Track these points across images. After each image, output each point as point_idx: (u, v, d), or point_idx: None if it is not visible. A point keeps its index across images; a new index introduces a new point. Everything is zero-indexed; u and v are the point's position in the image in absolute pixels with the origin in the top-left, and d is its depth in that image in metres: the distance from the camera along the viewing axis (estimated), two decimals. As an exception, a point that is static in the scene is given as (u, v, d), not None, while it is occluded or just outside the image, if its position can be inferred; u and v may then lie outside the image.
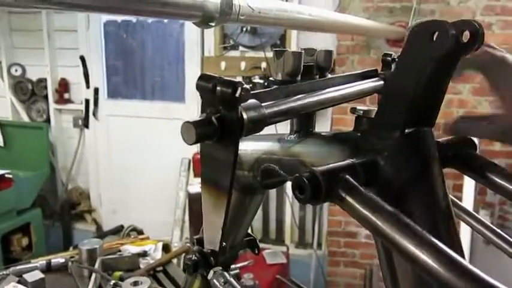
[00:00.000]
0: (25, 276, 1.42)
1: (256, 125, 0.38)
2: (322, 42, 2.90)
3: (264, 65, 3.02)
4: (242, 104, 0.37)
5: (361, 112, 0.45)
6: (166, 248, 1.70)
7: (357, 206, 0.34)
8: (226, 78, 0.36)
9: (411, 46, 0.36)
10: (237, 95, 0.34)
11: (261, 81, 3.01)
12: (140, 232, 2.34)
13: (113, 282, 1.33)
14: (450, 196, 0.51)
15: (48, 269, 1.57)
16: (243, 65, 3.09)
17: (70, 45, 3.63)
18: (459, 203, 0.55)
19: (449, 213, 0.40)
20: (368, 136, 0.42)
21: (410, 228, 0.31)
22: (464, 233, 1.96)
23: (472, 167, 0.45)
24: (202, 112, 0.37)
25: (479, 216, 0.56)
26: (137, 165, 3.67)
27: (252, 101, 0.38)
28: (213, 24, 0.86)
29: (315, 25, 1.50)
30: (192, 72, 3.36)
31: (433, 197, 0.40)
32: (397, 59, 0.38)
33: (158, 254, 1.60)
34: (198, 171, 2.80)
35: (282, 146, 0.53)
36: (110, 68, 3.70)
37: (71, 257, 1.66)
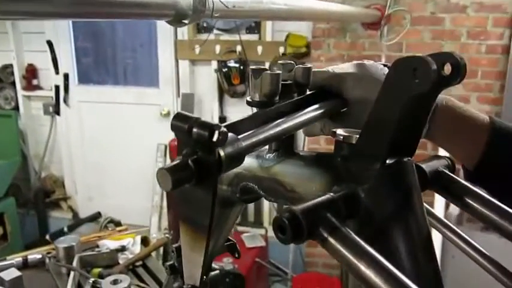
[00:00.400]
0: (1, 274, 1.39)
1: (235, 161, 0.37)
2: (297, 24, 2.87)
3: (239, 48, 2.98)
4: None
5: (341, 138, 0.44)
6: (145, 240, 1.69)
7: (339, 248, 0.34)
8: (202, 119, 0.35)
9: (393, 81, 0.36)
10: (215, 139, 0.33)
11: (237, 65, 2.97)
12: (118, 224, 2.31)
13: (92, 280, 1.32)
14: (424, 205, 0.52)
15: (24, 265, 1.54)
16: (217, 48, 3.03)
17: (36, 29, 3.48)
18: (432, 211, 0.56)
19: (429, 239, 0.41)
20: (349, 164, 0.42)
21: (393, 276, 0.31)
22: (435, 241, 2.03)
23: (449, 190, 0.45)
24: (178, 153, 0.36)
25: (451, 224, 0.56)
26: (112, 151, 3.61)
27: (229, 135, 0.37)
28: (186, 22, 0.84)
29: (291, 14, 1.48)
30: (165, 56, 3.28)
31: (414, 227, 0.40)
32: (379, 92, 0.37)
33: (137, 248, 1.59)
34: (175, 157, 2.76)
35: (261, 164, 0.52)
36: (80, 53, 3.58)
37: (48, 253, 1.63)
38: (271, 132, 0.43)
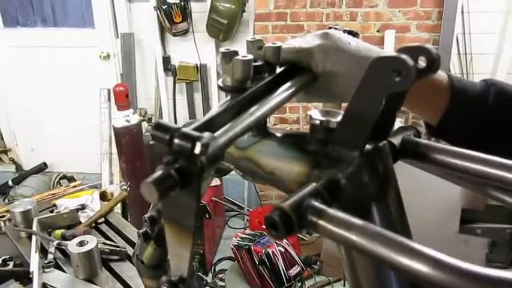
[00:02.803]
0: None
1: (215, 162, 0.37)
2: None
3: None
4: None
5: (318, 122, 0.45)
6: (103, 195, 1.67)
7: (331, 228, 0.36)
8: (184, 129, 0.34)
9: (373, 80, 0.37)
10: (197, 151, 0.33)
11: (177, 1, 2.81)
12: (71, 179, 2.24)
13: (56, 242, 1.31)
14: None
15: (-23, 230, 1.49)
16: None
17: None
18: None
19: (404, 214, 0.45)
20: (328, 149, 0.44)
21: (389, 237, 0.32)
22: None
23: (417, 152, 0.47)
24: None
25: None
26: (51, 99, 3.41)
27: (206, 135, 0.37)
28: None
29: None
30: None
31: (392, 206, 0.43)
32: (358, 86, 0.38)
33: (96, 204, 1.57)
34: (120, 104, 2.66)
35: (237, 144, 0.52)
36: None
37: (1, 216, 1.59)
38: (247, 122, 0.43)
